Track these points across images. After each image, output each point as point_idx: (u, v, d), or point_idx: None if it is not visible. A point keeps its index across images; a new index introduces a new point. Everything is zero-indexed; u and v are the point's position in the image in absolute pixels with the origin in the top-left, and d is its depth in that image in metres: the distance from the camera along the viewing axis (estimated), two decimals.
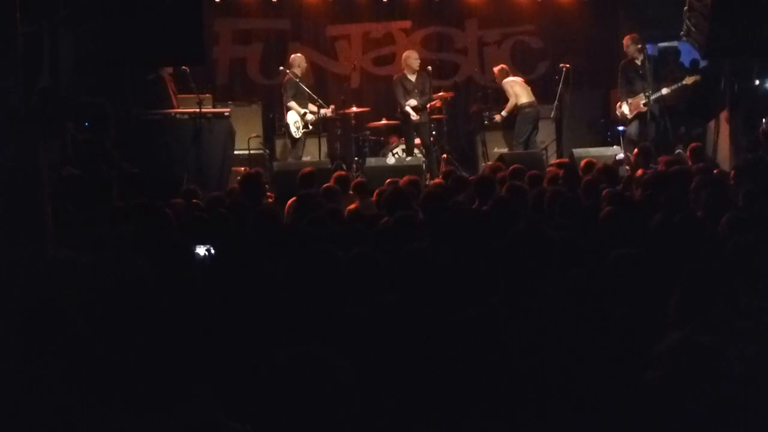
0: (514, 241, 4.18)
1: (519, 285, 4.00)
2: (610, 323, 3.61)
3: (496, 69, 14.05)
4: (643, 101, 12.31)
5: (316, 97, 13.05)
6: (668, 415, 2.58)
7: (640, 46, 12.56)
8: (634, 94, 12.50)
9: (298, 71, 13.07)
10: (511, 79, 13.76)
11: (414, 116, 13.07)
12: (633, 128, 12.55)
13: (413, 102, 13.08)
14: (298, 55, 13.34)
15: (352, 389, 2.63)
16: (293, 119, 13.00)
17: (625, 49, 12.73)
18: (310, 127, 13.09)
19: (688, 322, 3.39)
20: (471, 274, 4.14)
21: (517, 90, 13.56)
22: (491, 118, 14.01)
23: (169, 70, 11.96)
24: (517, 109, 13.53)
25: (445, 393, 3.22)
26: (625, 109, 12.61)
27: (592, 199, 7.17)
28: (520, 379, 3.08)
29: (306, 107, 13.04)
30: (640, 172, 9.35)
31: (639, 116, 12.45)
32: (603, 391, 3.11)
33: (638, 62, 12.55)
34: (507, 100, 13.73)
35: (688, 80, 12.39)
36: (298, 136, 13.05)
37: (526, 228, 4.26)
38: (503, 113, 13.71)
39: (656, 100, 12.35)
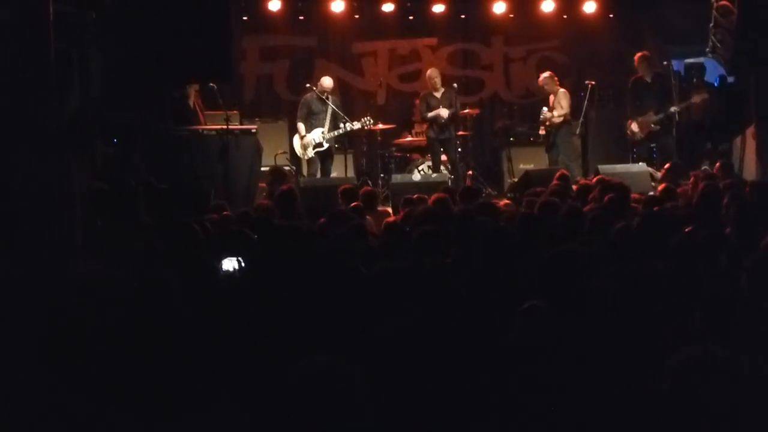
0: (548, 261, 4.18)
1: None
2: (631, 337, 3.62)
3: (545, 75, 13.48)
4: (654, 119, 12.36)
5: (341, 114, 12.82)
6: (682, 429, 2.60)
7: (646, 64, 12.64)
8: (642, 112, 12.56)
9: (319, 90, 12.77)
10: (563, 89, 13.43)
11: (436, 112, 12.89)
12: (644, 149, 12.70)
13: (445, 112, 12.89)
14: (327, 77, 13.09)
15: (366, 400, 2.66)
16: (297, 143, 12.91)
17: (636, 65, 12.79)
18: (326, 145, 12.73)
19: (709, 336, 3.40)
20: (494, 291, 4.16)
21: (566, 103, 13.29)
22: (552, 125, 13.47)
23: (197, 86, 12.04)
24: (563, 122, 13.22)
25: (467, 409, 3.24)
26: (634, 127, 12.66)
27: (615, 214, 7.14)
28: (534, 388, 3.10)
29: (322, 125, 12.69)
30: (662, 186, 9.32)
31: (651, 135, 12.55)
32: (619, 403, 3.12)
33: (648, 80, 12.65)
34: (548, 108, 13.41)
35: (696, 98, 12.46)
36: (307, 158, 12.83)
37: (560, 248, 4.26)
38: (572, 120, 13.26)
39: (668, 117, 12.40)
